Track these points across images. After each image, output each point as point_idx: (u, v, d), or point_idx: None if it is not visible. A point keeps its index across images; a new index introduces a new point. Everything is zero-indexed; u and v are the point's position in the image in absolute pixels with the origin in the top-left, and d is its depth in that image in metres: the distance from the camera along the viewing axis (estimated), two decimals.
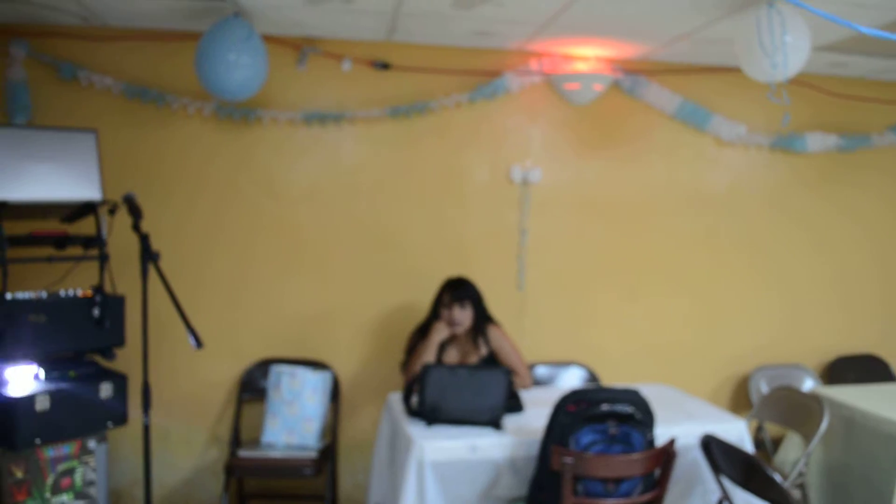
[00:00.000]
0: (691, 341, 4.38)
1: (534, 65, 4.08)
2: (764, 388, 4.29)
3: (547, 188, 4.18)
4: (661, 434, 2.71)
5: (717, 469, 2.82)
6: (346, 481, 4.05)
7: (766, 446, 3.62)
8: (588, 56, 4.08)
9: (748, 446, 2.95)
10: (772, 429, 3.71)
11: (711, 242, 4.40)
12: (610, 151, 4.26)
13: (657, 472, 2.68)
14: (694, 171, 4.37)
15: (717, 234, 4.40)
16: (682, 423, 2.95)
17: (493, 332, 3.53)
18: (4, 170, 2.77)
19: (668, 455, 2.65)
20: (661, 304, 4.35)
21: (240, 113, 3.82)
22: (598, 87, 4.02)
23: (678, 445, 2.69)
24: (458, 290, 3.47)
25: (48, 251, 3.03)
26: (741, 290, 4.44)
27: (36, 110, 3.68)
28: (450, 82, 4.02)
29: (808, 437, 3.12)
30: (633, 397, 2.63)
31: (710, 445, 2.79)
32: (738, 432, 2.97)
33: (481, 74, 4.05)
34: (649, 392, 2.77)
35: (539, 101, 4.16)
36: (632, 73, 4.16)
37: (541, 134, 4.19)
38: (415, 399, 2.99)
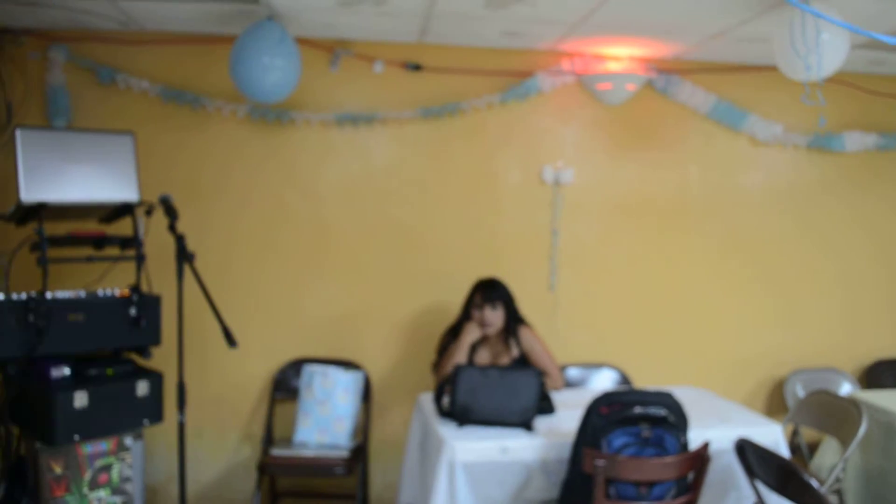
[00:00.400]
0: (726, 344, 4.32)
1: (565, 65, 4.06)
2: (800, 392, 4.21)
3: (579, 189, 4.16)
4: (695, 437, 2.68)
5: (751, 474, 2.78)
6: (377, 481, 4.06)
7: (802, 451, 3.56)
8: (621, 55, 4.05)
9: (784, 451, 2.91)
10: (808, 433, 3.64)
11: (747, 244, 4.34)
12: (643, 152, 4.23)
13: (691, 475, 2.65)
14: (728, 172, 4.31)
15: (752, 236, 4.34)
16: (716, 427, 2.92)
17: (524, 333, 3.52)
18: (45, 172, 2.82)
19: (701, 459, 2.63)
20: (696, 306, 4.30)
21: (273, 115, 3.86)
22: (631, 87, 3.99)
23: (712, 449, 2.66)
24: (490, 291, 3.47)
25: (87, 251, 3.09)
26: (777, 293, 4.37)
27: (75, 113, 3.77)
28: (481, 83, 4.02)
29: (845, 442, 3.06)
30: (667, 400, 2.61)
31: (745, 449, 2.75)
32: (773, 436, 2.93)
33: (513, 75, 4.05)
34: (682, 395, 2.74)
35: (571, 101, 4.14)
36: (665, 73, 4.13)
37: (573, 134, 4.17)
38: (446, 400, 2.99)
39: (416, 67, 3.97)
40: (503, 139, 4.10)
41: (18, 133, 2.80)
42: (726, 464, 2.85)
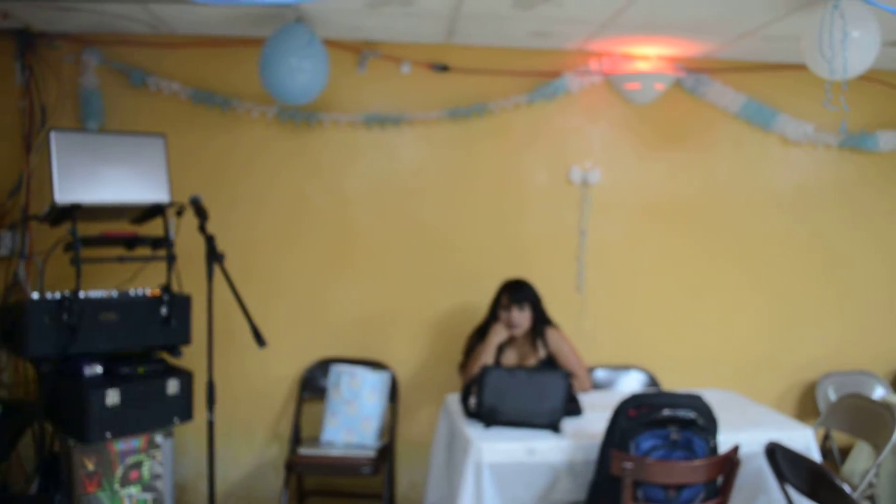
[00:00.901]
0: (756, 346, 4.27)
1: (593, 65, 4.04)
2: (832, 396, 4.15)
3: (607, 189, 4.14)
4: (725, 441, 2.66)
5: (782, 478, 2.75)
6: (404, 481, 4.07)
7: (834, 455, 3.52)
8: (649, 55, 4.02)
9: (815, 455, 2.87)
10: (840, 438, 3.59)
11: (777, 245, 4.28)
12: (671, 151, 4.19)
13: (720, 479, 2.62)
14: (758, 172, 4.26)
15: (782, 237, 4.28)
16: (746, 430, 2.89)
17: (551, 334, 3.51)
18: (78, 173, 2.87)
19: (731, 462, 2.60)
20: (725, 307, 4.26)
21: (301, 116, 3.88)
22: (660, 87, 3.96)
23: (742, 453, 2.63)
24: (517, 292, 3.46)
25: (119, 251, 3.13)
26: (808, 294, 4.31)
27: (107, 115, 3.83)
28: (508, 83, 4.02)
29: (878, 447, 3.01)
30: (696, 402, 2.58)
31: (776, 453, 2.72)
32: (804, 440, 2.89)
33: (540, 75, 4.04)
34: (712, 397, 2.71)
35: (599, 101, 4.12)
36: (694, 72, 4.09)
37: (600, 134, 4.15)
38: (473, 400, 2.99)
39: (443, 68, 3.97)
40: (530, 140, 4.10)
41: (53, 135, 2.85)
42: (756, 467, 2.82)
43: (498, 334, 3.42)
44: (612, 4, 3.22)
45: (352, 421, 3.69)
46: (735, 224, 4.25)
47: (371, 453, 3.57)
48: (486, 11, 3.39)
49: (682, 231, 4.22)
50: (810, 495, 2.61)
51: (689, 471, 2.52)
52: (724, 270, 4.25)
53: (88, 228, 2.99)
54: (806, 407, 4.32)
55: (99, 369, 2.96)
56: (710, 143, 4.22)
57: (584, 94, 4.10)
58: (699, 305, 4.24)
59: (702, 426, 2.58)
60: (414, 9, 3.34)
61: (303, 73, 3.38)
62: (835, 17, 2.78)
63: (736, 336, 4.26)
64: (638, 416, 2.55)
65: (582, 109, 4.12)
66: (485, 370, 2.93)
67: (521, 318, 3.44)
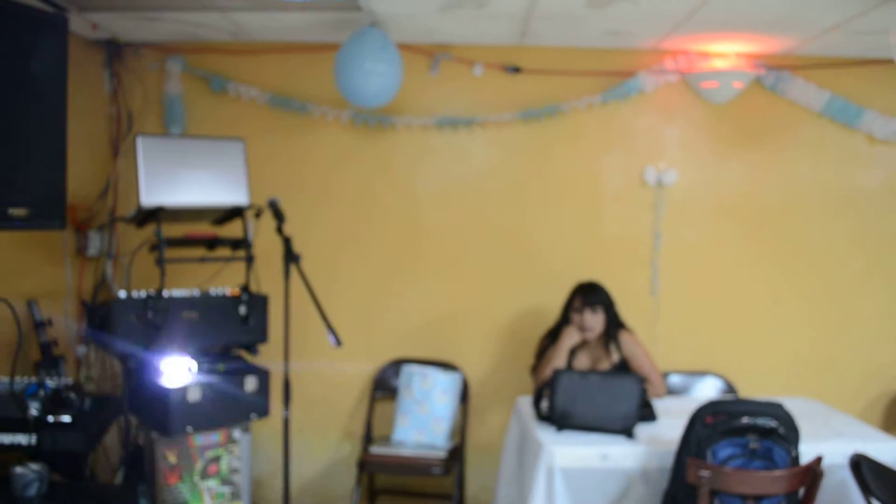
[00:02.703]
0: (839, 354, 4.10)
1: (669, 63, 3.96)
2: None
3: (682, 190, 4.05)
4: (806, 451, 2.57)
5: (867, 491, 2.63)
6: (473, 483, 4.08)
7: None
8: (727, 52, 3.91)
9: None
10: None
11: (863, 247, 4.10)
12: (750, 151, 4.07)
13: (801, 491, 2.53)
14: (843, 172, 4.09)
15: (869, 239, 4.10)
16: (829, 441, 2.79)
17: (625, 338, 3.45)
18: (163, 177, 2.98)
19: (813, 473, 2.51)
20: (807, 312, 4.10)
21: (375, 119, 3.94)
22: (739, 85, 3.85)
23: (825, 464, 2.53)
24: (590, 295, 3.42)
25: (200, 252, 3.23)
26: None
27: (189, 120, 3.97)
28: (581, 84, 3.98)
29: None
30: (777, 411, 2.50)
31: (861, 465, 2.61)
32: (892, 453, 2.77)
33: (614, 75, 3.98)
34: (793, 406, 2.62)
35: (674, 100, 4.04)
36: (775, 69, 3.96)
37: (676, 134, 4.07)
38: (545, 404, 2.97)
39: (516, 70, 3.96)
40: (604, 140, 4.04)
41: (139, 140, 2.96)
42: (840, 480, 2.72)
43: (570, 337, 3.38)
44: (689, 1, 3.15)
45: (423, 421, 3.72)
46: (817, 226, 4.09)
47: (442, 454, 3.59)
48: (559, 11, 3.37)
49: (760, 234, 4.09)
50: None
51: (769, 481, 2.44)
52: (807, 274, 4.10)
53: (172, 230, 3.09)
54: (894, 418, 4.13)
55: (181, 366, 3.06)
56: (791, 142, 4.07)
57: (659, 94, 4.02)
58: (777, 310, 4.10)
59: (783, 435, 2.50)
60: (487, 11, 3.34)
61: (377, 76, 3.42)
62: None
63: (818, 343, 4.10)
64: (715, 423, 2.49)
65: (657, 109, 4.04)
66: (557, 373, 2.91)
67: (594, 321, 3.39)
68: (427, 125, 3.97)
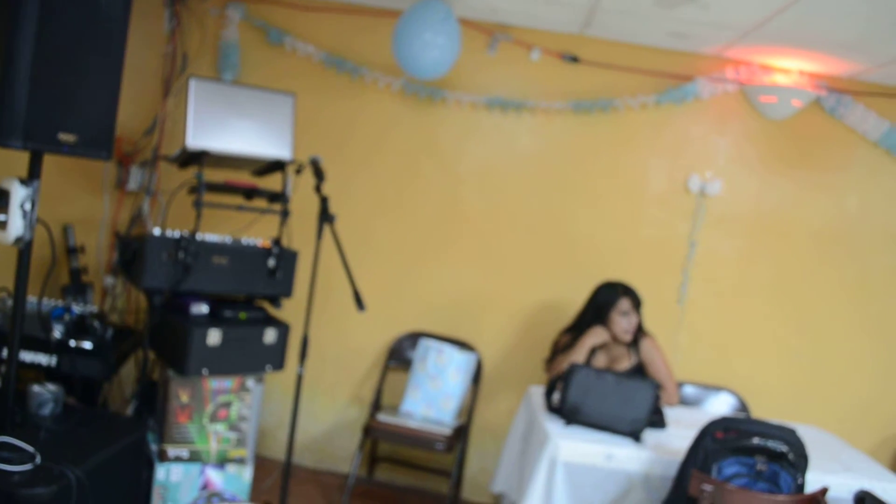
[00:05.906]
0: (859, 389, 4.03)
1: (729, 73, 3.89)
2: None
3: (725, 202, 3.99)
4: (813, 480, 2.54)
5: None
6: (474, 463, 4.10)
7: None
8: (790, 68, 3.83)
9: None
10: None
11: None
12: (800, 172, 3.99)
13: None
14: (893, 206, 4.00)
15: None
16: (837, 473, 2.76)
17: (645, 342, 3.42)
18: (211, 121, 3.00)
19: (817, 503, 2.48)
20: (832, 343, 4.03)
21: (426, 91, 3.92)
22: (797, 103, 3.78)
23: (829, 496, 2.50)
24: (636, 299, 3.38)
25: (238, 200, 3.27)
26: None
27: (243, 69, 3.99)
28: (637, 82, 3.92)
29: None
30: (789, 436, 2.48)
31: (866, 503, 2.58)
32: None
33: (671, 77, 3.92)
34: (805, 434, 2.59)
35: (729, 110, 3.96)
36: (836, 92, 3.87)
37: (726, 145, 4.00)
38: (557, 396, 2.97)
39: (574, 59, 3.92)
40: (652, 142, 3.99)
41: (192, 82, 2.99)
42: None
43: (597, 336, 3.34)
44: (760, 11, 3.09)
45: (433, 396, 3.74)
46: (860, 257, 4.00)
47: (447, 430, 3.61)
48: (626, 7, 3.32)
49: (800, 256, 4.02)
50: None
51: None
52: (838, 304, 4.02)
53: (212, 175, 3.13)
54: None
55: (205, 309, 3.11)
56: (843, 168, 3.99)
57: (715, 102, 3.95)
58: (804, 337, 4.04)
59: (791, 461, 2.47)
60: None
61: (435, 48, 3.41)
62: None
63: (838, 376, 4.03)
64: (726, 439, 2.47)
65: (710, 117, 3.98)
66: (573, 367, 2.91)
67: (632, 325, 3.36)
68: (477, 104, 3.95)
